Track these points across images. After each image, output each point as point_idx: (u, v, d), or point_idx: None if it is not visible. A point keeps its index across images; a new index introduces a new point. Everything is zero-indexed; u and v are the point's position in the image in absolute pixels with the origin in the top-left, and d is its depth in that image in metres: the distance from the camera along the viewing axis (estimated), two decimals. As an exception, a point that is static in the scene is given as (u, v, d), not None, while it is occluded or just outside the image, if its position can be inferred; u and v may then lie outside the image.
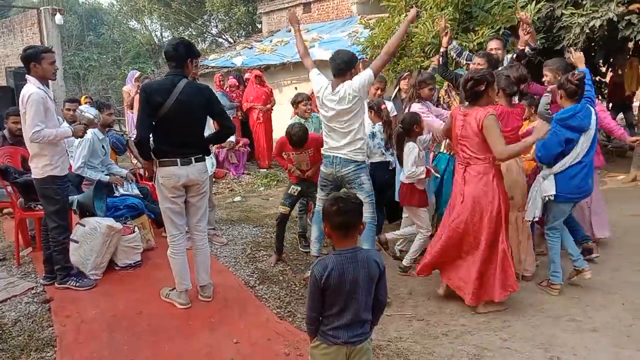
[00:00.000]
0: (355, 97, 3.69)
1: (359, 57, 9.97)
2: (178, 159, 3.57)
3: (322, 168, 4.02)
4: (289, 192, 4.69)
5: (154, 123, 3.55)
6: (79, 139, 4.69)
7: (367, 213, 3.73)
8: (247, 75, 10.17)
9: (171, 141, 3.56)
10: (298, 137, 4.35)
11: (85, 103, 7.99)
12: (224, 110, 3.88)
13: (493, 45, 5.02)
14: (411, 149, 4.16)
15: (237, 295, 4.01)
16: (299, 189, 4.64)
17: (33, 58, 3.82)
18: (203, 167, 3.74)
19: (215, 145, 6.89)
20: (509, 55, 4.97)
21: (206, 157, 3.82)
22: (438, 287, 3.97)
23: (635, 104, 9.92)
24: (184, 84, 3.52)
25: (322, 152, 4.01)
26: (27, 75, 3.87)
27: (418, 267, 3.96)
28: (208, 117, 3.83)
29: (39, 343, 3.35)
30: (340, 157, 3.83)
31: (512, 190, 3.92)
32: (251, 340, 3.34)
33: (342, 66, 3.76)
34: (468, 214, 3.59)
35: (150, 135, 3.59)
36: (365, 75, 3.70)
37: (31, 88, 3.78)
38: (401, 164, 4.36)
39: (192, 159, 3.62)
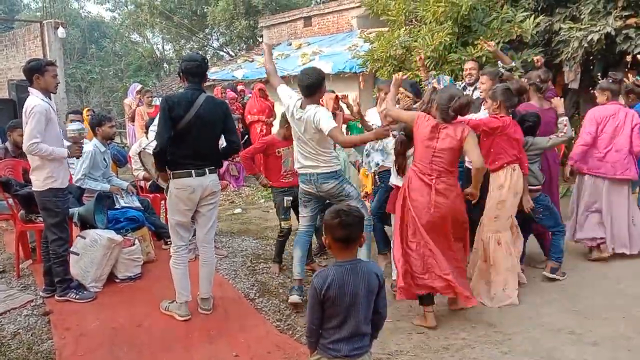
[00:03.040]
0: (314, 132, 3.68)
1: (358, 71, 10.06)
2: (192, 171, 3.62)
3: (301, 185, 3.98)
4: (284, 205, 4.66)
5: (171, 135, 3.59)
6: None
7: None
8: (240, 87, 10.27)
9: (187, 153, 3.61)
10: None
11: (87, 115, 8.04)
12: (235, 126, 3.96)
13: (469, 65, 5.14)
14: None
15: (237, 308, 4.01)
16: (291, 198, 4.64)
17: (36, 70, 3.86)
18: (216, 178, 3.80)
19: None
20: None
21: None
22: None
23: None
24: (204, 98, 3.60)
25: (296, 169, 3.99)
26: (29, 88, 3.91)
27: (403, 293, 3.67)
28: None
29: (38, 356, 3.34)
30: (318, 174, 3.82)
31: (499, 209, 3.99)
32: (251, 353, 3.34)
33: (311, 87, 3.70)
34: (442, 222, 3.62)
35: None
36: (326, 125, 3.55)
37: (35, 100, 3.81)
38: (399, 172, 4.18)
39: (206, 170, 3.68)
